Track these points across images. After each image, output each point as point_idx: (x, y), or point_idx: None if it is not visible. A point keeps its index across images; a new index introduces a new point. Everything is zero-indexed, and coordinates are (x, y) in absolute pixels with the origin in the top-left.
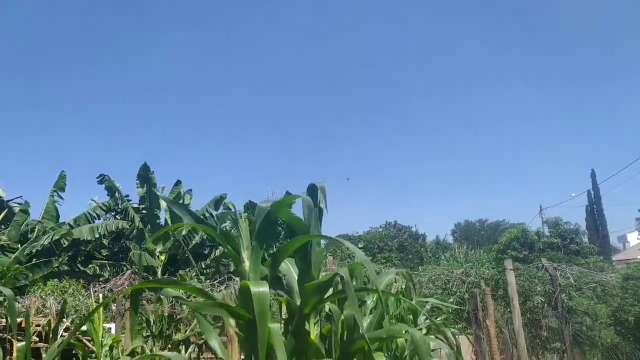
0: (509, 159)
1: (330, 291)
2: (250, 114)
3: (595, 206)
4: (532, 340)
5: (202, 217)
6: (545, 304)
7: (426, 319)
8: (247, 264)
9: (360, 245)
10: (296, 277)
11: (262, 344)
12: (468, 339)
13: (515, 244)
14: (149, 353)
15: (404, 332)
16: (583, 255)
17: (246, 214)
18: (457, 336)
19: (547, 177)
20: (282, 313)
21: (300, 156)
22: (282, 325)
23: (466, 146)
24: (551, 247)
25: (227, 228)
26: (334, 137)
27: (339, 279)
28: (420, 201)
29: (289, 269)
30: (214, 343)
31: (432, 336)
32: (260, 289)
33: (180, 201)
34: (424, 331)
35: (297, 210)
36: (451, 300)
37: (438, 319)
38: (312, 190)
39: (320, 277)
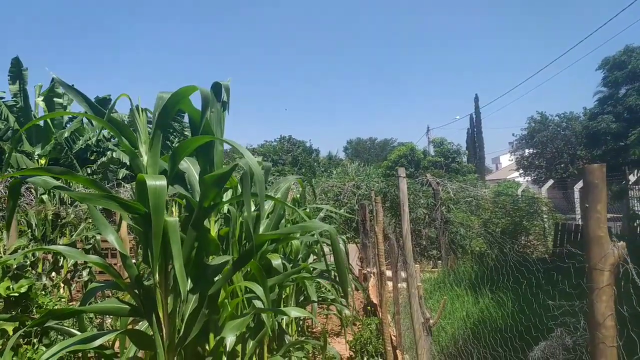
0: (402, 80)
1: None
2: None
3: (475, 129)
4: (412, 248)
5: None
6: (427, 216)
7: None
8: (145, 158)
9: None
10: (197, 176)
11: (156, 237)
12: (356, 246)
13: (404, 161)
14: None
15: (318, 229)
16: (462, 174)
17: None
18: (346, 244)
19: (436, 99)
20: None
21: (193, 72)
22: (180, 223)
23: (361, 68)
24: (435, 165)
25: None
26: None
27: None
28: (314, 117)
29: (190, 167)
30: (111, 237)
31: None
32: (157, 182)
33: (61, 100)
34: (317, 237)
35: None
36: (342, 210)
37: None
38: (216, 88)
39: None
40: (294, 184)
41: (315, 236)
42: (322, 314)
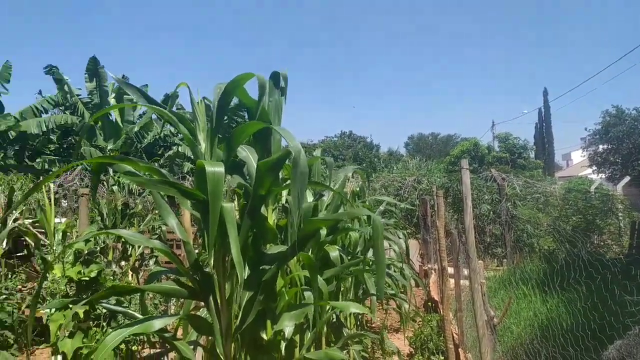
0: (465, 74)
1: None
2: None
3: (544, 124)
4: (476, 245)
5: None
6: (491, 212)
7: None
8: (203, 145)
9: (315, 153)
10: (256, 165)
11: (213, 222)
12: (417, 241)
13: (467, 156)
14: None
15: (365, 215)
16: (529, 170)
17: (203, 98)
18: (406, 238)
19: (501, 93)
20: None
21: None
22: (238, 211)
23: (424, 61)
24: (500, 161)
25: None
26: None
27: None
28: (375, 112)
29: (248, 156)
30: (172, 222)
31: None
32: (216, 168)
33: (131, 97)
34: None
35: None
36: (403, 205)
37: (390, 221)
38: (275, 77)
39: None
40: (353, 178)
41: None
42: (381, 309)
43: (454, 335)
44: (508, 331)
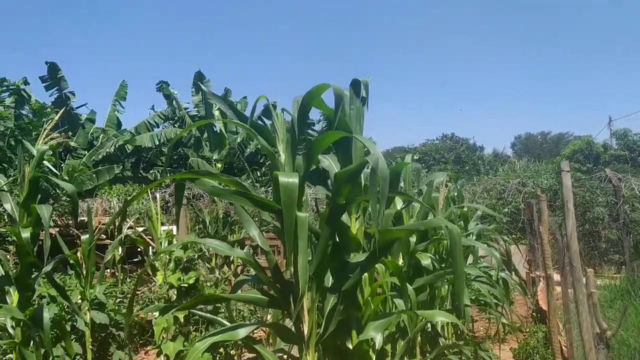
0: (579, 68)
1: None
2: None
3: None
4: (589, 251)
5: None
6: (606, 216)
7: (477, 224)
8: (283, 157)
9: (416, 157)
10: (334, 175)
11: (288, 232)
12: (517, 247)
13: (579, 156)
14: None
15: (443, 225)
16: None
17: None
18: (509, 244)
19: (620, 87)
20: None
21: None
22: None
23: (531, 54)
24: (618, 160)
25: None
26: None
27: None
28: (480, 113)
29: (331, 165)
30: (253, 232)
31: (483, 243)
32: (290, 179)
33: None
34: (474, 237)
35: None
36: (506, 210)
37: (490, 227)
38: (355, 85)
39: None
40: (451, 183)
41: (471, 237)
42: (484, 319)
43: (563, 347)
44: (625, 345)
